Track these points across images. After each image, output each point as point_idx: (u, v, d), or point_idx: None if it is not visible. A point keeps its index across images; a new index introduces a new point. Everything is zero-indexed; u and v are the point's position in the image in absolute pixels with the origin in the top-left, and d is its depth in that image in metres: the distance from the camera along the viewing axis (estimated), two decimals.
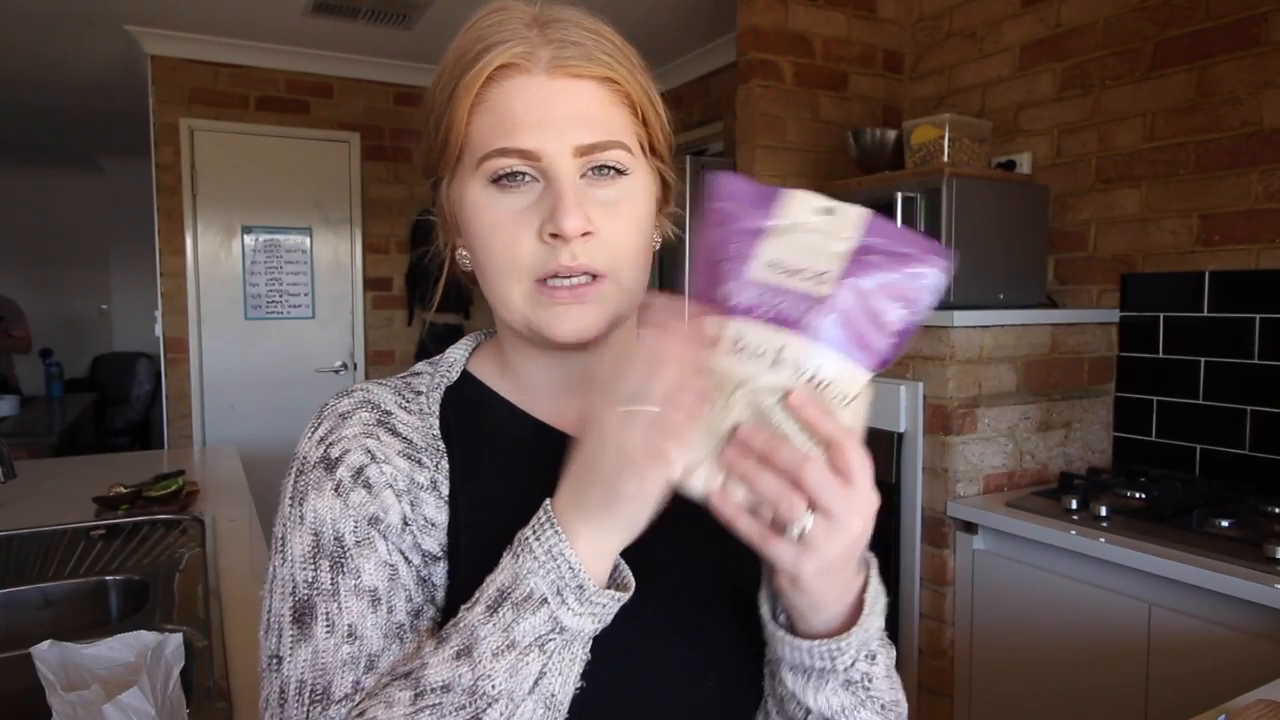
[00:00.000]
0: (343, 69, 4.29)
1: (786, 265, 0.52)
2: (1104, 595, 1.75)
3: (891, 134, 2.54)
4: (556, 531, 0.52)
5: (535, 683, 0.52)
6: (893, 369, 2.31)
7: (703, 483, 0.52)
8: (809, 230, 0.52)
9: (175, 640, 1.05)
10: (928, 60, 2.90)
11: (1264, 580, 1.48)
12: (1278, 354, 2.00)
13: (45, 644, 1.01)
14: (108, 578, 1.51)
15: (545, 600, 0.51)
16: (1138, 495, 1.94)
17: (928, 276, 0.51)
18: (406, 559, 0.60)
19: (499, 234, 0.59)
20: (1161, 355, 2.24)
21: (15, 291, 5.75)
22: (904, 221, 2.20)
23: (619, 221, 0.60)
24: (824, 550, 0.51)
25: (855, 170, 2.65)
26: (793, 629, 0.57)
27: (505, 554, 0.54)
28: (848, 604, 0.56)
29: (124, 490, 1.89)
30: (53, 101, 5.04)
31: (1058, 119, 2.48)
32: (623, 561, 0.55)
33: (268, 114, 4.18)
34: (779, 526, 0.51)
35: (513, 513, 0.61)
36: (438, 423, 0.64)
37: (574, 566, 0.51)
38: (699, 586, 0.65)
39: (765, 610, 0.59)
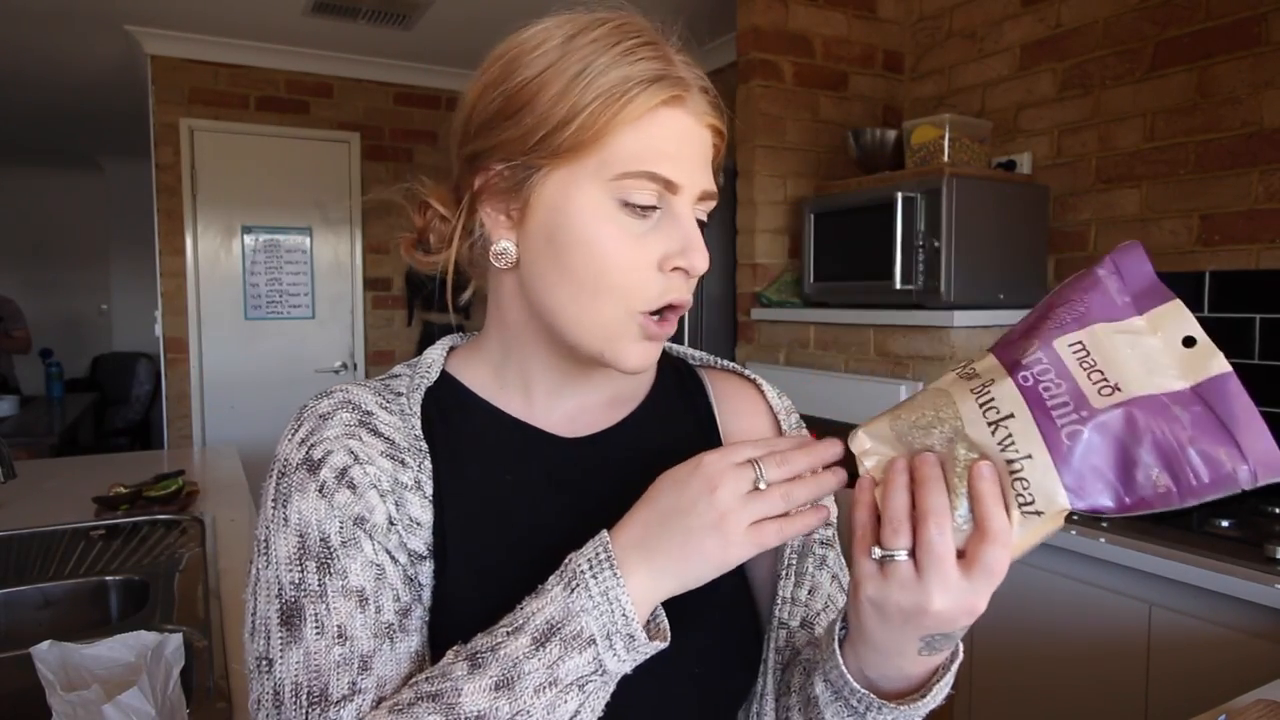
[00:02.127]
0: (343, 69, 4.29)
1: (1092, 357, 0.45)
2: (1104, 595, 1.75)
3: (891, 134, 2.54)
4: (615, 574, 0.52)
5: None
6: (892, 368, 2.31)
7: (873, 462, 0.50)
8: (1151, 348, 0.45)
9: (175, 640, 1.05)
10: (928, 60, 2.90)
11: (1264, 580, 1.48)
12: (1278, 354, 2.00)
13: (45, 644, 1.01)
14: (108, 578, 1.51)
15: (594, 641, 0.52)
16: None
17: (1221, 472, 0.42)
18: (393, 558, 0.60)
19: (619, 254, 0.59)
20: None
21: (15, 291, 5.75)
22: (904, 221, 2.20)
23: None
24: (888, 591, 0.49)
25: (855, 170, 2.65)
26: (841, 646, 0.57)
27: (553, 581, 0.54)
28: (903, 676, 0.54)
29: (124, 490, 1.89)
30: (53, 101, 5.04)
31: (1058, 119, 2.48)
32: (661, 610, 0.55)
33: (268, 114, 4.18)
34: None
35: (497, 510, 0.63)
36: (419, 423, 0.64)
37: (628, 615, 0.52)
38: None
39: (839, 623, 0.58)
